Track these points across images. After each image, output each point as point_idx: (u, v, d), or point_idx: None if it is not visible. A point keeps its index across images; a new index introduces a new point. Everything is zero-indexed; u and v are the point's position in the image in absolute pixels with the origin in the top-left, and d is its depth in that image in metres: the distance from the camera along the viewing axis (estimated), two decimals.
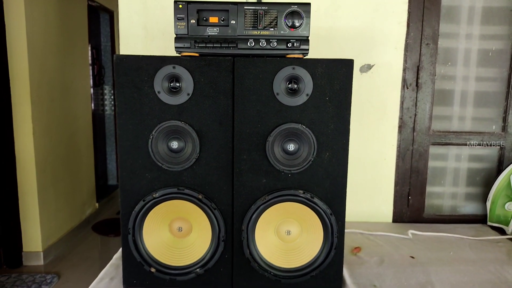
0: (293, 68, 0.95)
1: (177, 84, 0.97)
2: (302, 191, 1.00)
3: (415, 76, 1.52)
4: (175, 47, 0.95)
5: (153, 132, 0.98)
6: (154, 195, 1.00)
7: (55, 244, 2.95)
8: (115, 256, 1.24)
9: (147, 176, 1.01)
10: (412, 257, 1.27)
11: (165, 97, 0.97)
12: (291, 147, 0.99)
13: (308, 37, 0.95)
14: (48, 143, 2.91)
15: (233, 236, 1.03)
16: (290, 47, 0.95)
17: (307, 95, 0.96)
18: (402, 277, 1.14)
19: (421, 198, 1.59)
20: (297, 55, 0.97)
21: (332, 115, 0.98)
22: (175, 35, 0.96)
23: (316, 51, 1.48)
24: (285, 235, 1.05)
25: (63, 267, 2.76)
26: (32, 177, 2.75)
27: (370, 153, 1.57)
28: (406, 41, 1.50)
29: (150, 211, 1.03)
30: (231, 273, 1.05)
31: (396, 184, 1.58)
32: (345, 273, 1.15)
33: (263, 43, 0.94)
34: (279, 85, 0.96)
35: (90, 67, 3.74)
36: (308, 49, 0.95)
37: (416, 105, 1.53)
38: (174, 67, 0.96)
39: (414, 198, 1.58)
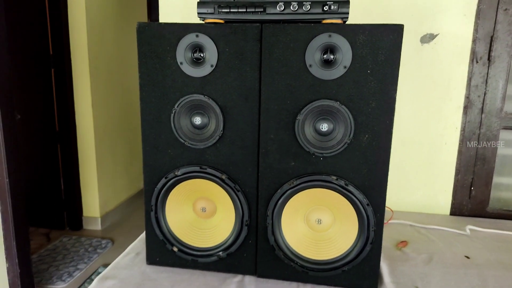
0: (330, 36, 0.82)
1: (201, 55, 0.89)
2: (335, 177, 0.89)
3: (487, 48, 1.29)
4: (198, 13, 0.87)
5: (175, 106, 0.92)
6: (176, 173, 0.95)
7: (111, 211, 3.11)
8: (146, 231, 1.22)
9: (170, 153, 0.96)
10: (467, 257, 1.10)
11: (187, 69, 0.90)
12: (325, 127, 0.87)
13: None
14: (106, 114, 3.02)
15: (258, 221, 0.95)
16: (327, 10, 0.82)
17: (345, 67, 0.83)
18: (452, 279, 1.00)
19: (486, 190, 1.38)
20: (335, 20, 0.83)
21: (374, 91, 0.84)
22: (198, 0, 0.87)
23: (368, 20, 1.31)
24: (315, 224, 0.95)
25: (117, 233, 2.90)
26: (91, 147, 2.89)
27: (429, 135, 1.39)
28: (478, 6, 1.27)
29: (173, 189, 0.98)
30: (255, 260, 0.98)
31: (458, 172, 1.39)
32: (385, 269, 1.03)
33: (294, 7, 0.82)
34: (313, 55, 0.84)
35: None
36: (347, 13, 0.82)
37: (486, 82, 1.31)
38: (197, 36, 0.88)
39: (477, 189, 1.38)
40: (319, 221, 0.95)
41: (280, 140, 0.90)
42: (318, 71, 0.85)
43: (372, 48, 0.82)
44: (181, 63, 0.90)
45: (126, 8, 3.22)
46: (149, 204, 0.99)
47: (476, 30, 1.29)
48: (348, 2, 0.81)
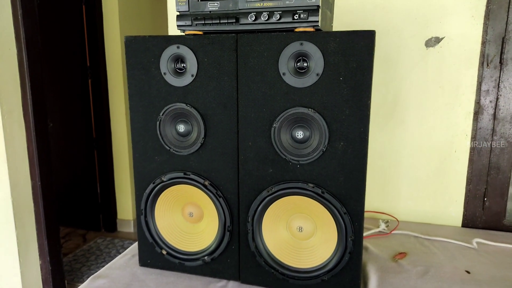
0: (301, 44, 0.83)
1: (182, 65, 0.93)
2: (312, 185, 0.88)
3: (498, 50, 1.22)
4: (177, 26, 0.91)
5: (160, 115, 0.96)
6: (162, 179, 0.99)
7: None
8: (137, 234, 1.28)
9: (157, 159, 1.00)
10: (468, 272, 1.04)
11: (170, 79, 0.94)
12: (300, 134, 0.87)
13: (318, 6, 0.81)
14: None
15: (240, 227, 0.97)
16: (297, 19, 0.82)
17: (318, 74, 0.83)
18: None
19: (502, 201, 1.29)
20: (307, 28, 0.84)
21: (347, 99, 0.83)
22: (177, 13, 0.91)
23: (371, 25, 1.29)
24: (297, 231, 0.95)
25: None
26: (125, 152, 3.04)
27: (437, 143, 1.33)
28: (487, 6, 1.21)
29: (161, 194, 1.02)
30: (239, 265, 0.99)
31: (469, 181, 1.31)
32: (373, 281, 1.00)
33: (265, 16, 0.83)
34: (286, 63, 0.85)
35: None
36: (317, 21, 0.82)
37: (498, 86, 1.24)
38: (178, 47, 0.92)
39: (491, 200, 1.30)
40: (300, 229, 0.95)
41: (258, 148, 0.91)
42: (291, 79, 0.85)
43: (344, 55, 0.81)
44: (164, 73, 0.94)
45: (157, 21, 3.37)
46: (139, 209, 1.04)
47: (485, 31, 1.22)
48: (317, 10, 0.81)
